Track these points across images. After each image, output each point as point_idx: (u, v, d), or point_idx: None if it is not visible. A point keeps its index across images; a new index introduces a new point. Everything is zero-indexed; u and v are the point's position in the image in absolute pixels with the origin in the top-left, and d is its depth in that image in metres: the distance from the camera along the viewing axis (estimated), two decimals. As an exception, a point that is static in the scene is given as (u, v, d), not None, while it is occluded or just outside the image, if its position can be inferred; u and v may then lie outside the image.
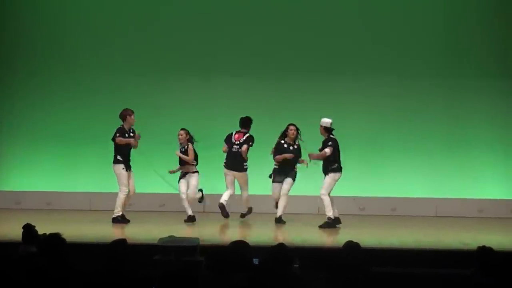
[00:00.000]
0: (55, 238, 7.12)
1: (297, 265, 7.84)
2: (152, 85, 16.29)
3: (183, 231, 12.34)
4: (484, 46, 16.05)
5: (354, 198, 15.45)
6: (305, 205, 15.02)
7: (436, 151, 15.99)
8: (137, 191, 13.82)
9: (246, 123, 14.02)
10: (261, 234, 12.17)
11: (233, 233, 11.89)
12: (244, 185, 13.97)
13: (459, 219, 14.99)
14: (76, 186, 16.20)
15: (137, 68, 16.33)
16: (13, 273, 5.31)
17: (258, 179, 14.26)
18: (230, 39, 16.30)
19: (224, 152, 13.97)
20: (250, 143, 13.85)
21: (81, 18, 16.54)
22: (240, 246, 7.56)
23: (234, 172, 13.81)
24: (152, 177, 14.36)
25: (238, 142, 13.86)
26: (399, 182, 15.90)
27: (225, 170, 13.87)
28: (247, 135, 13.93)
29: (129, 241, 7.22)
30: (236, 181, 13.89)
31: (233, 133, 14.02)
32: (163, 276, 5.30)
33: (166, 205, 15.65)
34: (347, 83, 16.06)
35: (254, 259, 7.56)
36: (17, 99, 16.48)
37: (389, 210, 15.62)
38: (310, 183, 14.24)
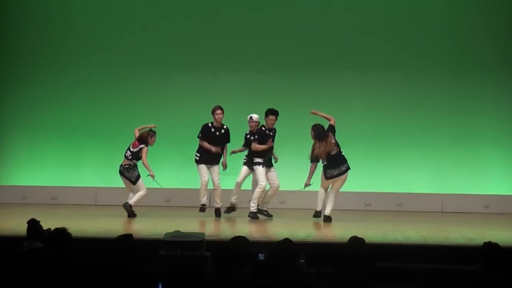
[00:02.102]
0: (61, 232, 7.13)
1: (303, 261, 7.84)
2: (157, 80, 16.31)
3: (189, 226, 12.34)
4: (490, 43, 16.02)
5: (360, 194, 15.44)
6: (312, 201, 15.01)
7: (442, 146, 15.97)
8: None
9: None
10: (267, 229, 12.17)
11: (239, 229, 11.88)
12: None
13: (465, 215, 14.99)
14: (82, 180, 16.22)
15: (142, 62, 16.34)
16: (18, 268, 5.31)
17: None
18: (235, 34, 16.29)
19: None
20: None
21: (86, 13, 16.56)
22: (238, 242, 7.55)
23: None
24: (158, 172, 14.35)
25: None
26: (405, 178, 15.89)
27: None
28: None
29: (135, 236, 7.22)
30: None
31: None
32: (169, 271, 5.30)
33: (171, 200, 15.68)
34: (353, 78, 16.06)
35: (259, 254, 7.57)
36: (22, 94, 16.50)
37: (395, 206, 15.62)
38: (317, 178, 14.25)
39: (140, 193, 13.54)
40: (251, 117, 13.71)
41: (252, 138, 13.54)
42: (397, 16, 16.15)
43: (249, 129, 13.77)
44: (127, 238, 6.98)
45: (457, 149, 15.94)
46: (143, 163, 13.49)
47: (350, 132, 14.68)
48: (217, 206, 13.73)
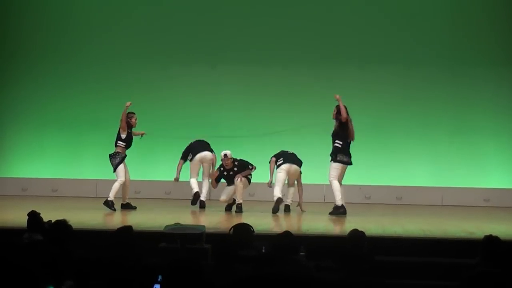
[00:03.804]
0: (62, 224, 7.13)
1: (303, 253, 7.84)
2: (156, 72, 16.32)
3: (189, 219, 12.36)
4: (491, 34, 16.01)
5: (360, 187, 15.44)
6: (311, 193, 15.00)
7: (442, 139, 15.97)
8: (143, 178, 13.82)
9: None
10: (267, 222, 12.16)
11: (239, 221, 11.87)
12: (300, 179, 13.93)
13: (465, 208, 14.99)
14: (82, 173, 16.23)
15: (142, 54, 16.34)
16: (18, 261, 5.31)
17: (264, 166, 14.31)
18: (235, 26, 16.29)
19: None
20: None
21: (86, 4, 16.55)
22: (242, 229, 7.56)
23: (295, 167, 13.70)
24: (158, 164, 14.36)
25: None
26: (405, 171, 15.90)
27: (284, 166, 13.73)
28: None
29: (135, 228, 7.22)
30: None
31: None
32: (169, 264, 5.30)
33: (172, 193, 15.68)
34: (353, 71, 16.06)
35: (260, 247, 7.57)
36: (22, 85, 16.50)
37: (395, 199, 15.63)
38: (317, 171, 14.28)
39: (114, 184, 13.48)
40: (225, 154, 13.68)
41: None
42: (397, 8, 16.13)
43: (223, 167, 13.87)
44: (126, 230, 6.98)
45: (457, 142, 15.94)
46: (122, 118, 13.47)
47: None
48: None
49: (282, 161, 13.54)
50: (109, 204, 13.29)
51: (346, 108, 12.99)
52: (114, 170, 13.49)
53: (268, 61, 16.15)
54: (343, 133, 13.00)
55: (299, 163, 13.64)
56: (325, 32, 16.15)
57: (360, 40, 16.08)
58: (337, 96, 13.12)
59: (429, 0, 16.19)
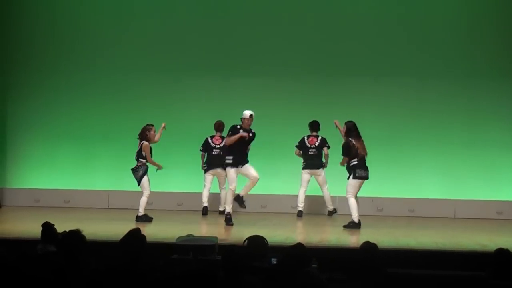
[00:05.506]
0: (75, 234, 7.14)
1: (315, 266, 7.85)
2: (168, 84, 16.33)
3: (202, 230, 12.36)
4: (503, 47, 15.95)
5: (372, 199, 15.40)
6: (324, 205, 15.00)
7: (455, 152, 15.91)
8: (155, 190, 13.86)
9: (317, 126, 14.74)
10: (279, 234, 12.17)
11: (251, 233, 11.86)
12: (324, 183, 14.65)
13: (478, 221, 14.93)
14: (94, 184, 16.25)
15: (154, 67, 16.35)
16: (32, 272, 5.33)
17: (276, 178, 14.33)
18: (247, 40, 16.29)
19: (297, 155, 14.69)
20: (329, 146, 14.65)
21: (96, 17, 16.58)
22: (256, 241, 7.57)
23: (315, 170, 14.57)
24: (170, 176, 14.38)
25: (314, 146, 14.64)
26: (418, 183, 15.84)
27: (306, 171, 14.60)
28: (321, 137, 14.71)
29: (147, 239, 7.23)
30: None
31: (305, 138, 14.69)
32: (181, 275, 5.31)
33: (184, 204, 15.69)
34: (366, 84, 16.02)
35: (272, 259, 7.59)
36: (35, 97, 16.55)
37: (407, 211, 15.58)
38: (330, 183, 14.30)
39: (142, 199, 13.57)
40: (251, 114, 13.23)
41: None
42: (409, 22, 16.10)
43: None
44: (135, 233, 6.98)
45: (470, 155, 15.88)
46: (148, 160, 13.54)
47: (363, 137, 14.64)
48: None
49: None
50: (142, 219, 13.38)
51: (347, 130, 13.21)
52: (139, 183, 13.56)
53: (281, 74, 16.14)
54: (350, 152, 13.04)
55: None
56: (338, 45, 16.12)
57: (373, 53, 16.05)
58: (336, 122, 13.87)
59: (442, 14, 16.14)
